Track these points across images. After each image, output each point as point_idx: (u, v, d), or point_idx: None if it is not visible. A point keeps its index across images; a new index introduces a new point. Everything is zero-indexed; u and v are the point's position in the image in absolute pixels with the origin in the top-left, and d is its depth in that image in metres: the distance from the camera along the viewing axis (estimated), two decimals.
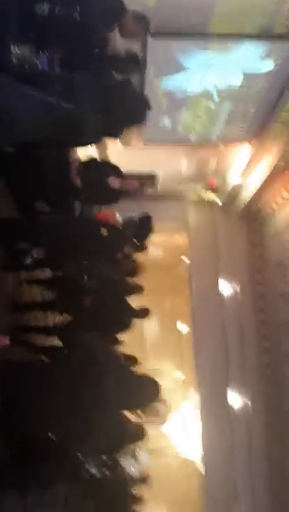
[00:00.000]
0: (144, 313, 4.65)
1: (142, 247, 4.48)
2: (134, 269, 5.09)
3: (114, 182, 3.64)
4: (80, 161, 3.28)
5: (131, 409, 2.73)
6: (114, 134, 3.17)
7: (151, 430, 4.10)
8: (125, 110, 2.86)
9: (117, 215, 4.47)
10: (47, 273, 4.66)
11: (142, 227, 3.63)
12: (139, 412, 3.64)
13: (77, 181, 3.27)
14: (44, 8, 2.69)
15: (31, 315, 4.59)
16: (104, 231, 3.63)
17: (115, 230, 3.80)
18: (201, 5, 4.30)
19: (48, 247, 3.39)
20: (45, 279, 4.77)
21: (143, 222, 3.66)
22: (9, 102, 2.32)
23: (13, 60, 2.72)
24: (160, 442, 10.07)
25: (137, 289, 4.99)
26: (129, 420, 3.77)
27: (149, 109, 3.11)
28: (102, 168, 3.73)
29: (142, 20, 3.35)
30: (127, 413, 3.42)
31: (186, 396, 10.28)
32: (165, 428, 10.47)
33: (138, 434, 3.72)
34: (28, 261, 3.50)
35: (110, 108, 2.74)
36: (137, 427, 3.70)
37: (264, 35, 4.63)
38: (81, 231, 3.53)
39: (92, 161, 3.58)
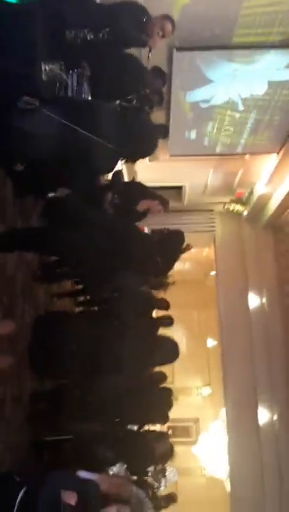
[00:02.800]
0: (168, 321, 4.57)
1: (170, 262, 4.42)
2: (162, 283, 5.03)
3: (142, 205, 3.72)
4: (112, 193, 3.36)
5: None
6: (130, 160, 3.20)
7: (181, 449, 4.12)
8: (140, 140, 2.86)
9: (146, 229, 4.45)
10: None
11: (172, 242, 3.57)
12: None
13: (110, 210, 3.34)
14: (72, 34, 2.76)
15: None
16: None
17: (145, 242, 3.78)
18: (224, 17, 4.30)
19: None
20: (76, 291, 4.81)
21: (174, 236, 3.60)
22: (35, 126, 2.46)
23: (44, 78, 2.77)
24: (189, 462, 9.89)
25: (163, 305, 4.92)
26: (160, 438, 3.78)
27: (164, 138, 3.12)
28: (133, 193, 3.80)
29: (167, 19, 3.36)
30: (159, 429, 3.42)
31: (216, 414, 10.07)
32: (195, 449, 10.31)
33: (168, 454, 3.79)
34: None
35: (126, 137, 2.74)
36: (167, 447, 3.72)
37: (288, 43, 4.60)
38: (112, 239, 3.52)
39: (125, 186, 3.65)
